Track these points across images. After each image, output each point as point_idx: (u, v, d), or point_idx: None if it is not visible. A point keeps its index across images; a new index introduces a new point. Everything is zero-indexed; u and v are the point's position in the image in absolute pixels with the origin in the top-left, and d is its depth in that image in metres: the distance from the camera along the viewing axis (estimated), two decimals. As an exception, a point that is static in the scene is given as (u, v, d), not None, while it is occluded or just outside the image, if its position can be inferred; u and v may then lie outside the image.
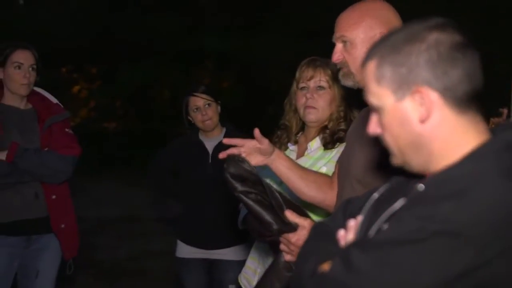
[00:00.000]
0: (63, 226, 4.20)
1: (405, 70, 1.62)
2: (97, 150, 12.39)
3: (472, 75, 1.62)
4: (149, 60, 14.55)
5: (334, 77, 3.44)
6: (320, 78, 3.48)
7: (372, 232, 1.74)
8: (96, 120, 14.64)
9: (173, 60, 14.57)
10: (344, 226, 1.86)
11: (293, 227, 2.40)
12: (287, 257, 2.48)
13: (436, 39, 1.61)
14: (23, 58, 4.17)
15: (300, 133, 3.67)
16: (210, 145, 4.61)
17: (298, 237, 2.40)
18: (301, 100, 3.52)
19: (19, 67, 4.14)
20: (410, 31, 1.65)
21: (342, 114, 3.47)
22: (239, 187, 2.40)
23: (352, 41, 2.65)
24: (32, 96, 4.26)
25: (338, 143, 3.40)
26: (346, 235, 1.82)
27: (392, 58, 1.64)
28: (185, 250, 4.66)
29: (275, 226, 2.38)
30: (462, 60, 1.61)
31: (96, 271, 7.35)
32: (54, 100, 4.36)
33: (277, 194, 2.45)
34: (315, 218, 2.79)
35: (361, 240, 1.68)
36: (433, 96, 1.61)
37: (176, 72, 14.87)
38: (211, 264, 4.62)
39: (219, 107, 4.61)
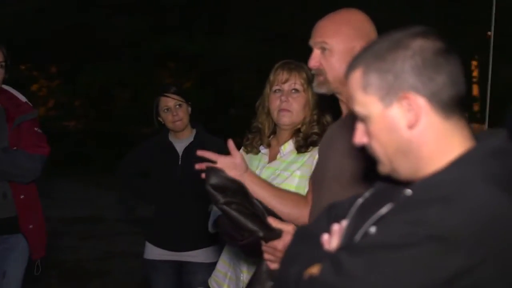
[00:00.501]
0: (31, 226, 4.15)
1: (391, 76, 1.63)
2: (56, 149, 12.24)
3: (455, 80, 1.65)
4: (111, 60, 14.45)
5: (309, 81, 3.46)
6: (295, 81, 3.48)
7: (358, 236, 1.75)
8: (55, 119, 14.51)
9: (136, 61, 14.50)
10: (328, 230, 1.86)
11: (277, 234, 2.38)
12: (273, 265, 2.43)
13: (421, 46, 1.64)
14: None
15: (272, 136, 3.66)
16: (180, 147, 4.59)
17: (284, 243, 2.36)
18: (275, 103, 3.51)
19: None
20: (394, 39, 1.67)
21: (315, 117, 3.47)
22: (221, 198, 2.39)
23: (331, 49, 2.65)
24: (0, 94, 4.19)
25: (311, 147, 3.41)
26: (330, 239, 1.83)
27: (377, 65, 1.65)
28: (153, 252, 4.62)
29: (260, 234, 2.37)
30: (446, 65, 1.64)
31: (59, 272, 7.27)
32: (23, 98, 4.30)
33: (256, 201, 2.45)
34: None
35: (351, 244, 1.68)
36: (421, 102, 1.63)
37: (138, 73, 14.79)
38: (180, 266, 4.59)
39: (189, 108, 4.59)
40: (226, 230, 3.66)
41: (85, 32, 14.04)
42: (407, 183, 1.72)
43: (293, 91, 3.48)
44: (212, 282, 3.88)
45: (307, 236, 1.94)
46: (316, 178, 2.85)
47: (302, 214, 2.90)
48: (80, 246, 8.40)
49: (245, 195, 2.40)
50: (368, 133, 1.70)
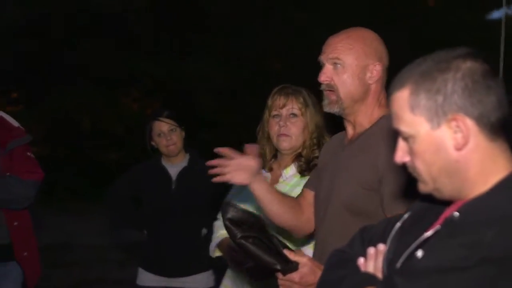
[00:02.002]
0: (26, 253, 4.08)
1: (441, 97, 1.64)
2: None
3: (502, 102, 1.67)
4: (74, 85, 14.32)
5: (306, 104, 3.49)
6: (293, 106, 3.51)
7: (401, 260, 1.75)
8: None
9: (99, 85, 14.40)
10: (363, 254, 1.87)
11: (294, 266, 2.39)
12: None
13: (470, 68, 1.65)
14: None
15: (273, 159, 3.68)
16: (173, 171, 4.56)
17: (301, 275, 2.39)
18: (274, 128, 3.55)
19: None
20: (442, 59, 1.68)
21: (315, 141, 3.51)
22: (239, 233, 2.40)
23: (344, 65, 2.67)
24: (-9, 119, 4.13)
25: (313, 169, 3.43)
26: (366, 263, 1.83)
27: (427, 86, 1.66)
28: (146, 278, 4.57)
29: (278, 267, 2.38)
30: (494, 87, 1.65)
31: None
32: (15, 123, 4.24)
33: (273, 235, 2.46)
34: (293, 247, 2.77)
35: (402, 269, 1.67)
36: (469, 123, 1.64)
37: (101, 97, 14.69)
38: (173, 292, 4.54)
39: (183, 133, 4.57)
40: (230, 254, 3.66)
41: (46, 56, 13.90)
42: (446, 203, 1.74)
43: (291, 115, 3.51)
44: (213, 306, 3.86)
45: (345, 260, 1.94)
46: (320, 199, 2.84)
47: (299, 221, 2.93)
48: (53, 274, 8.24)
49: (262, 229, 2.42)
50: (412, 152, 1.71)
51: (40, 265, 4.24)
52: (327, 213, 2.72)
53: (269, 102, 3.57)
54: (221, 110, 12.78)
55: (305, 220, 2.94)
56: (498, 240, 1.51)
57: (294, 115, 3.51)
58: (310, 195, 2.98)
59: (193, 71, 13.62)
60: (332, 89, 2.70)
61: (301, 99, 3.51)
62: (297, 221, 2.93)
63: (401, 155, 1.74)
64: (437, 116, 1.65)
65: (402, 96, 1.70)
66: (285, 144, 3.53)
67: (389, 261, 1.80)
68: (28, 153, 4.16)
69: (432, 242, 1.66)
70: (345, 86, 2.67)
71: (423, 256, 1.63)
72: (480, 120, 1.64)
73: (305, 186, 3.07)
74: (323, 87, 2.73)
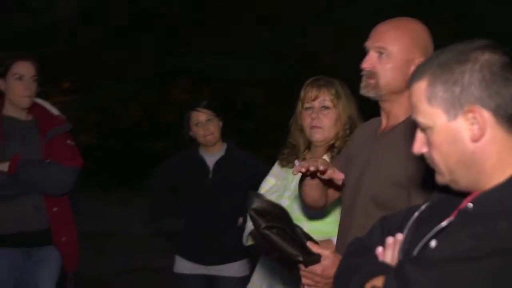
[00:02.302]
0: (64, 239, 4.16)
1: (458, 89, 1.65)
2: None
3: None
4: (123, 77, 14.49)
5: (338, 96, 3.49)
6: (324, 98, 3.51)
7: (416, 249, 1.76)
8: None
9: (148, 77, 14.54)
10: (382, 243, 1.88)
11: (317, 259, 2.40)
12: None
13: (488, 60, 1.65)
14: (24, 69, 4.12)
15: (307, 150, 3.69)
16: (211, 161, 4.60)
17: (323, 268, 2.40)
18: (306, 120, 3.56)
19: (20, 79, 4.10)
20: (460, 51, 1.68)
21: (348, 132, 3.51)
22: (263, 223, 2.40)
23: (389, 55, 2.62)
24: (33, 107, 4.22)
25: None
26: (384, 252, 1.84)
27: (444, 77, 1.66)
28: (183, 266, 4.63)
29: (300, 258, 2.39)
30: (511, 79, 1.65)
31: (80, 285, 7.25)
32: (55, 111, 4.32)
33: (297, 226, 2.46)
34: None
35: (414, 258, 1.68)
36: (486, 115, 1.64)
37: (150, 89, 14.83)
38: (210, 280, 4.60)
39: (221, 123, 4.61)
40: (262, 243, 3.68)
41: (98, 48, 14.10)
42: (464, 195, 1.74)
43: (323, 108, 3.51)
44: (246, 294, 3.90)
45: (363, 248, 1.95)
46: (348, 188, 2.82)
47: (325, 201, 2.95)
48: (97, 261, 8.38)
49: (286, 220, 2.43)
50: (429, 143, 1.72)
51: (79, 251, 4.32)
52: (354, 204, 2.71)
53: (302, 94, 3.59)
54: (268, 103, 12.83)
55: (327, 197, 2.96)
56: (508, 232, 1.51)
57: (326, 107, 3.52)
58: None
59: (241, 64, 13.66)
60: (373, 77, 2.66)
61: (333, 91, 3.52)
62: (325, 201, 2.95)
63: (419, 146, 1.75)
64: (454, 107, 1.66)
65: (420, 88, 1.71)
66: (317, 136, 3.55)
67: (405, 250, 1.81)
68: (68, 141, 4.24)
69: (445, 233, 1.66)
70: (386, 76, 2.63)
71: (436, 246, 1.63)
72: (497, 112, 1.64)
73: (336, 164, 3.06)
74: (364, 73, 2.69)
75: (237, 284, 4.43)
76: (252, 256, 4.39)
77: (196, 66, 14.36)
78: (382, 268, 1.80)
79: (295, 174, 2.64)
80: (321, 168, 2.57)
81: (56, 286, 4.26)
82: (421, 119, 1.72)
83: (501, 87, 1.64)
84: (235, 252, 4.50)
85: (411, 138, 2.51)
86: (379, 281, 1.74)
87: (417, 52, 2.63)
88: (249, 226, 3.93)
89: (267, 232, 2.38)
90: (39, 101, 4.30)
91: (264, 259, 3.82)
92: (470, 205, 1.64)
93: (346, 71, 3.71)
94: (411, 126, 2.53)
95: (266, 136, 12.10)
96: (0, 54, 4.23)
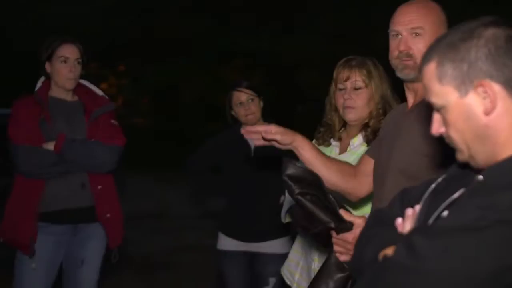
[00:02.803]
0: (108, 215, 4.27)
1: (466, 66, 1.68)
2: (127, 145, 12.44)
3: None
4: (176, 59, 14.60)
5: (370, 76, 3.52)
6: (356, 79, 3.55)
7: (431, 220, 1.79)
8: (124, 117, 14.73)
9: (201, 59, 14.64)
10: (401, 214, 1.91)
11: (348, 226, 2.41)
12: (342, 257, 2.47)
13: (493, 34, 1.68)
14: (69, 52, 4.24)
15: (342, 129, 3.73)
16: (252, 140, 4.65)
17: (355, 236, 2.39)
18: (339, 100, 3.62)
19: (65, 61, 4.22)
20: (465, 29, 1.72)
21: (381, 111, 3.54)
22: (296, 189, 2.42)
23: (423, 34, 2.70)
24: (78, 88, 4.34)
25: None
26: (404, 223, 1.87)
27: (452, 55, 1.70)
28: (226, 243, 4.71)
29: (332, 225, 2.40)
30: None
31: (129, 265, 7.41)
32: (99, 92, 4.44)
33: (330, 194, 2.48)
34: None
35: (423, 227, 1.72)
36: (496, 88, 1.66)
37: (204, 70, 14.94)
38: (252, 257, 4.66)
39: (261, 103, 4.66)
40: (298, 220, 3.74)
41: (151, 31, 14.24)
42: (480, 169, 1.76)
43: (355, 88, 3.54)
44: (284, 271, 3.96)
45: (382, 219, 1.99)
46: (379, 165, 2.88)
47: (348, 186, 3.00)
48: (148, 240, 8.55)
49: (320, 187, 2.44)
50: (445, 122, 1.75)
51: (124, 228, 4.43)
52: (385, 179, 2.76)
53: (334, 74, 3.63)
54: (321, 86, 12.77)
55: (356, 184, 3.00)
56: None
57: (359, 87, 3.55)
58: (368, 162, 3.02)
59: (296, 47, 13.66)
60: (410, 57, 2.72)
61: (365, 71, 3.55)
62: (345, 185, 2.99)
63: (437, 127, 1.79)
64: (464, 84, 1.69)
65: (430, 69, 1.74)
66: (350, 116, 3.60)
67: (421, 221, 1.84)
68: (112, 120, 4.35)
69: (455, 205, 1.69)
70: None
71: (446, 217, 1.66)
72: (507, 84, 1.67)
73: (365, 153, 3.12)
74: (399, 55, 2.75)
75: (278, 260, 4.48)
76: (293, 234, 4.44)
77: (250, 48, 14.41)
78: (395, 238, 1.83)
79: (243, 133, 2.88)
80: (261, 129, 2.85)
81: (102, 261, 4.37)
82: (434, 99, 1.75)
83: (508, 60, 1.66)
84: (276, 229, 4.55)
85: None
86: (390, 250, 1.78)
87: (444, 27, 2.71)
88: (287, 203, 3.99)
89: (300, 198, 2.40)
90: (84, 82, 4.42)
91: (302, 235, 3.86)
92: (481, 177, 1.66)
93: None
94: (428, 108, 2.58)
95: (319, 117, 12.10)
96: (46, 39, 4.35)
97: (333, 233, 2.45)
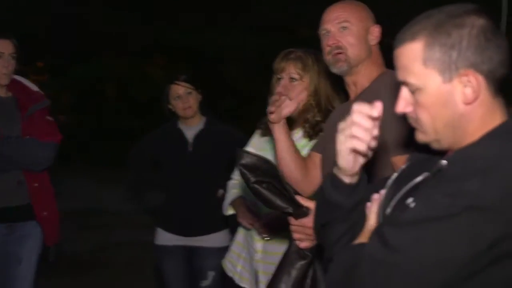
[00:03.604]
0: (45, 213, 4.20)
1: (455, 53, 1.69)
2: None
3: (507, 59, 1.73)
4: (99, 55, 14.42)
5: (305, 69, 3.56)
6: (290, 70, 3.57)
7: (393, 202, 1.83)
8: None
9: (125, 55, 14.47)
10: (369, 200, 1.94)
11: (306, 212, 2.43)
12: (303, 244, 2.49)
13: (483, 25, 1.70)
14: (3, 47, 4.15)
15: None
16: (190, 134, 4.65)
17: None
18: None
19: (0, 56, 4.12)
20: (455, 14, 1.72)
21: (314, 104, 3.57)
22: (252, 178, 2.42)
23: (351, 27, 2.85)
24: (11, 84, 4.23)
25: (320, 133, 3.50)
26: (371, 206, 1.90)
27: (443, 40, 1.70)
28: (165, 237, 4.68)
29: (290, 210, 2.42)
30: (503, 45, 1.72)
31: (58, 263, 7.28)
32: (34, 87, 4.35)
33: (286, 182, 2.49)
34: None
35: (394, 219, 1.73)
36: (480, 79, 1.69)
37: (126, 66, 14.77)
38: (191, 252, 4.65)
39: (199, 96, 4.65)
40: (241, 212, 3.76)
41: (73, 27, 13.99)
42: (441, 154, 1.79)
43: (291, 79, 3.58)
44: (226, 262, 3.98)
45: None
46: (329, 162, 2.91)
47: (303, 180, 3.07)
48: (78, 238, 8.42)
49: (275, 175, 2.44)
50: (417, 103, 1.75)
51: (60, 225, 4.36)
52: None
53: (274, 66, 3.66)
54: (247, 79, 12.83)
55: (309, 180, 3.06)
56: (481, 189, 1.56)
57: (293, 79, 3.58)
58: (316, 157, 3.09)
59: (219, 40, 13.64)
60: (340, 49, 2.85)
61: (300, 64, 3.58)
62: (302, 178, 3.05)
63: (404, 105, 1.78)
64: (450, 70, 1.70)
65: (415, 48, 1.73)
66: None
67: (383, 207, 1.87)
68: (47, 117, 4.27)
69: (421, 192, 1.72)
70: (353, 46, 2.84)
71: (414, 206, 1.68)
72: (488, 76, 1.70)
73: (312, 149, 3.19)
74: (330, 50, 2.87)
75: (217, 254, 4.49)
76: (232, 226, 4.45)
77: (173, 42, 14.32)
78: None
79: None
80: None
81: (39, 259, 4.29)
82: (413, 80, 1.74)
83: (493, 53, 1.69)
84: (215, 223, 4.56)
85: (379, 95, 2.62)
86: (364, 237, 1.82)
87: (371, 21, 2.90)
88: (230, 195, 4.00)
89: (257, 186, 2.40)
90: (18, 77, 4.32)
91: (243, 227, 3.88)
92: (444, 162, 1.69)
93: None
94: (383, 87, 2.66)
95: (247, 111, 12.19)
96: None
97: (292, 220, 2.47)
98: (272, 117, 3.01)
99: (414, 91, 1.75)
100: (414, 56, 1.73)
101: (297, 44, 3.75)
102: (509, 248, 1.58)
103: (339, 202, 1.88)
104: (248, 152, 2.48)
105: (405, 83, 1.77)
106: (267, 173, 2.43)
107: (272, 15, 13.22)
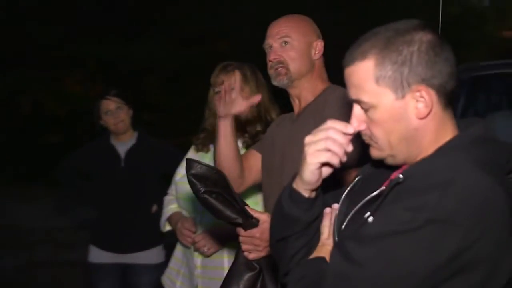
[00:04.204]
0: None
1: (407, 69, 1.71)
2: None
3: (455, 72, 1.77)
4: (17, 67, 14.08)
5: (246, 80, 3.57)
6: (230, 82, 3.57)
7: (349, 217, 1.84)
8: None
9: (43, 68, 14.17)
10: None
11: (255, 222, 2.44)
12: (251, 255, 2.50)
13: (431, 41, 1.73)
14: None
15: None
16: (122, 149, 4.61)
17: (262, 231, 2.43)
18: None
19: None
20: (403, 30, 1.75)
21: (255, 115, 3.57)
22: (202, 188, 2.41)
23: (292, 42, 2.88)
24: None
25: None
26: (324, 220, 1.91)
27: (393, 58, 1.72)
28: (98, 255, 4.61)
29: (240, 221, 2.42)
30: (450, 58, 1.76)
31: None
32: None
33: (234, 192, 2.49)
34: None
35: (355, 234, 1.73)
36: (432, 93, 1.73)
37: (43, 80, 14.48)
38: (125, 269, 4.59)
39: (131, 111, 4.62)
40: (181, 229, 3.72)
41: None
42: (393, 168, 1.83)
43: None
44: (165, 279, 3.93)
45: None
46: (272, 170, 2.96)
47: (238, 178, 3.06)
48: (0, 256, 8.21)
49: (225, 185, 2.44)
50: (371, 121, 1.77)
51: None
52: (281, 183, 2.79)
53: (212, 79, 3.65)
54: (167, 92, 12.77)
55: (244, 178, 3.08)
56: (441, 202, 1.59)
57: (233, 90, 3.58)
58: (254, 156, 3.12)
59: (138, 53, 13.52)
60: (282, 64, 2.89)
61: (239, 76, 3.58)
62: (238, 174, 3.05)
63: (358, 123, 1.79)
64: (402, 87, 1.72)
65: (366, 67, 1.75)
66: None
67: (340, 221, 1.88)
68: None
69: (379, 206, 1.73)
70: (294, 61, 2.87)
71: (373, 221, 1.71)
72: (439, 90, 1.73)
73: (252, 147, 3.21)
74: (272, 65, 2.91)
75: (152, 270, 4.45)
76: (167, 242, 4.42)
77: (92, 55, 14.14)
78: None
79: None
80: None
81: None
82: (365, 98, 1.75)
83: (442, 66, 1.73)
84: (149, 239, 4.53)
85: (323, 109, 2.66)
86: (321, 252, 1.84)
87: (314, 35, 2.94)
88: (167, 211, 3.96)
89: (206, 196, 2.39)
90: None
91: (180, 243, 3.85)
92: (401, 176, 1.71)
93: (242, 58, 3.80)
94: (327, 101, 2.69)
95: (166, 126, 12.12)
96: None
97: (240, 231, 2.47)
98: (220, 110, 2.97)
99: (367, 109, 1.77)
100: (366, 75, 1.75)
101: (217, 58, 3.76)
102: (469, 259, 1.62)
103: (297, 217, 1.87)
104: (198, 162, 2.46)
105: (357, 101, 1.79)
106: (217, 183, 2.43)
107: (188, 28, 13.22)
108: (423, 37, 1.73)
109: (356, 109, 1.80)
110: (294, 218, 1.87)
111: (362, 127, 1.79)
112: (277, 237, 1.95)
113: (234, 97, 2.98)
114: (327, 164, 1.80)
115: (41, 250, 8.42)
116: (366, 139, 1.82)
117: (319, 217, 1.92)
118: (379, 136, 1.78)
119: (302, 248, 1.88)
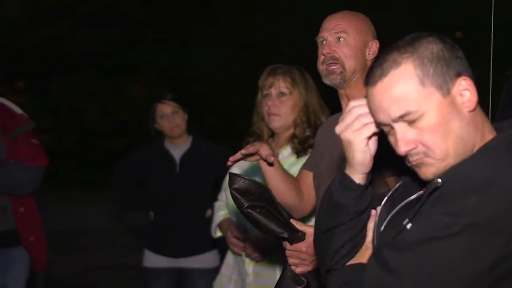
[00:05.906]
0: (32, 238, 4.12)
1: (444, 64, 1.67)
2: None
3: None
4: (79, 74, 14.31)
5: (295, 83, 3.53)
6: (280, 85, 3.54)
7: (387, 221, 1.81)
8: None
9: (105, 74, 14.38)
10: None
11: (301, 236, 2.40)
12: (298, 269, 2.46)
13: (447, 40, 1.72)
14: None
15: (270, 139, 3.72)
16: (177, 154, 4.61)
17: (308, 245, 2.38)
18: (265, 108, 3.60)
19: None
20: (418, 36, 1.72)
21: (304, 119, 3.53)
22: (245, 202, 2.39)
23: (348, 39, 2.76)
24: (-5, 107, 4.17)
25: (309, 149, 3.46)
26: (369, 222, 1.87)
27: (428, 56, 1.68)
28: (153, 259, 4.63)
29: (285, 235, 2.38)
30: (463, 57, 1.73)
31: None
32: (18, 110, 4.28)
33: (280, 206, 2.45)
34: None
35: (393, 242, 1.68)
36: (472, 82, 1.69)
37: (106, 85, 14.69)
38: (179, 273, 4.60)
39: (186, 115, 4.61)
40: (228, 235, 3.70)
41: (52, 46, 13.90)
42: None
43: (280, 94, 3.54)
44: (217, 285, 3.91)
45: None
46: (321, 176, 2.88)
47: (299, 204, 2.97)
48: (61, 261, 8.30)
49: (269, 199, 2.41)
50: (421, 132, 1.67)
51: (47, 250, 4.28)
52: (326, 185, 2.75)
53: (260, 82, 3.62)
54: (227, 97, 12.81)
55: (305, 201, 2.99)
56: (480, 206, 1.53)
57: (283, 93, 3.54)
58: (308, 176, 3.02)
59: (199, 58, 13.60)
60: (335, 61, 2.76)
61: (289, 79, 3.55)
62: (298, 202, 2.97)
63: (406, 145, 1.69)
64: (446, 82, 1.67)
65: (405, 72, 1.67)
66: (275, 123, 3.58)
67: (378, 226, 1.84)
68: (33, 140, 4.20)
69: (418, 212, 1.68)
70: (348, 58, 2.75)
71: (411, 227, 1.65)
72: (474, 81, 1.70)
73: (303, 167, 3.10)
74: (324, 60, 2.78)
75: (207, 275, 4.44)
76: (221, 247, 4.40)
77: (153, 61, 14.28)
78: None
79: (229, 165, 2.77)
80: (251, 149, 2.71)
81: (26, 286, 4.21)
82: (414, 107, 1.66)
83: (465, 61, 1.71)
84: (204, 243, 4.51)
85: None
86: (362, 257, 1.80)
87: (371, 35, 2.82)
88: (217, 217, 3.94)
89: (250, 211, 2.37)
90: (1, 100, 4.25)
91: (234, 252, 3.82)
92: (439, 180, 1.64)
93: (302, 61, 3.75)
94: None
95: (227, 129, 12.15)
96: None
97: (287, 245, 2.44)
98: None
99: (415, 120, 1.67)
100: (408, 80, 1.67)
101: (278, 61, 3.72)
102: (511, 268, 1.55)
103: (345, 204, 1.84)
104: (240, 176, 2.44)
105: (402, 117, 1.68)
106: (260, 197, 2.40)
107: (247, 34, 13.25)
108: (440, 38, 1.71)
109: (400, 131, 1.69)
110: (342, 205, 1.84)
111: (412, 146, 1.69)
112: (323, 229, 1.91)
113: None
114: (370, 137, 1.79)
115: (104, 254, 8.50)
116: (416, 159, 1.70)
117: (366, 212, 1.87)
118: (436, 144, 1.67)
119: (347, 242, 1.85)
